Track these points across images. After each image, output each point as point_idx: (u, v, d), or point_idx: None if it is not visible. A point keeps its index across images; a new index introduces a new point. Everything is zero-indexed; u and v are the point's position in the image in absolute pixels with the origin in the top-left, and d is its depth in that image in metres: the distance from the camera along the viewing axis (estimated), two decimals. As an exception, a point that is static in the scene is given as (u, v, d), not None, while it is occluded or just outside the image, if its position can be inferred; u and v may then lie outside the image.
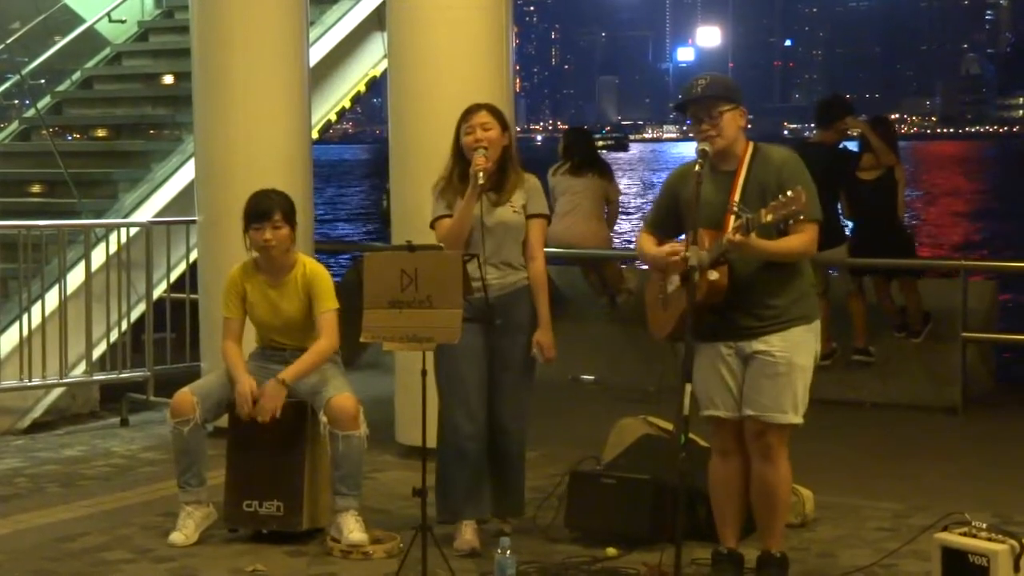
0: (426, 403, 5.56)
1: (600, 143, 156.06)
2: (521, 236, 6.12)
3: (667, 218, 5.62)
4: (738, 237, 5.17)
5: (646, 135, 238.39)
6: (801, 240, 5.34)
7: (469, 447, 6.06)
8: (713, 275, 5.26)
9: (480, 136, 6.03)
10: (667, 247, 5.48)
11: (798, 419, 5.42)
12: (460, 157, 6.13)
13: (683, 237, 5.43)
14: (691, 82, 5.57)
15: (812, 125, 10.34)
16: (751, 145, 5.48)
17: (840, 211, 9.92)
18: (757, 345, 5.40)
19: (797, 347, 5.41)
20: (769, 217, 5.15)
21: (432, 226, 6.16)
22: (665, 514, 5.80)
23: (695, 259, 5.20)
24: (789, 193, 5.13)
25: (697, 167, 5.35)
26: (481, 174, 5.91)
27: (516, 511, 6.35)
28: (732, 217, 5.30)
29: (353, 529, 6.19)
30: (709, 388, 5.48)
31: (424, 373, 5.59)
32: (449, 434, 6.05)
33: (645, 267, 12.06)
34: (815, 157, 9.19)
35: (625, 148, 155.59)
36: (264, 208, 6.38)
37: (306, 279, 6.40)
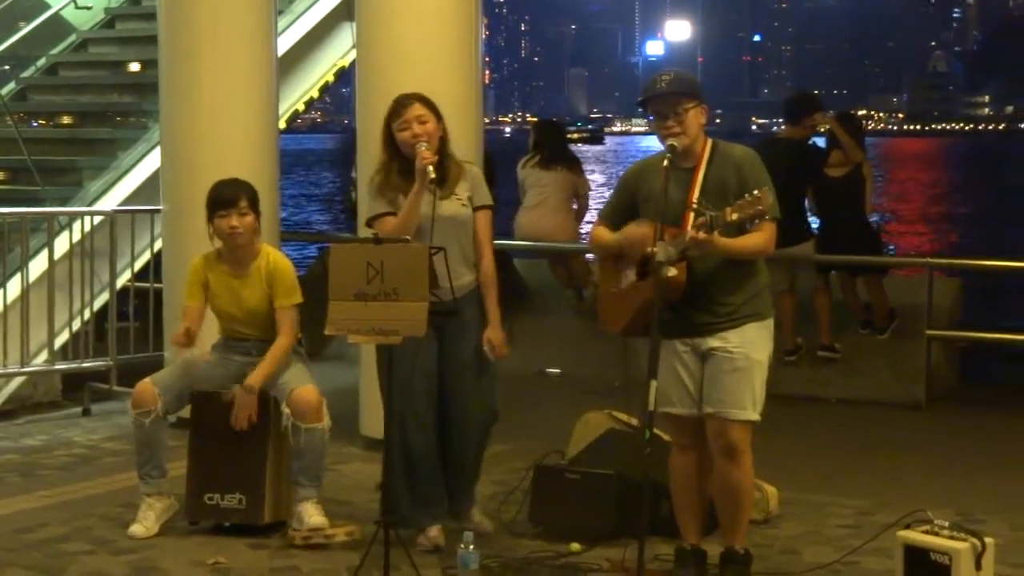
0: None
1: (575, 136, 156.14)
2: (471, 230, 5.97)
3: (623, 213, 5.58)
4: (701, 235, 5.15)
5: (615, 128, 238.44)
6: (761, 238, 5.34)
7: (420, 456, 5.94)
8: (671, 271, 5.23)
9: (418, 131, 5.85)
10: (632, 226, 5.43)
11: (756, 415, 5.41)
12: (395, 152, 5.93)
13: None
14: (654, 78, 5.55)
15: (780, 120, 10.35)
16: (709, 142, 5.47)
17: (807, 207, 9.93)
18: (713, 342, 5.39)
19: (753, 343, 5.41)
20: (734, 216, 5.14)
21: (369, 224, 5.98)
22: (629, 509, 5.80)
23: (663, 254, 5.17)
24: (755, 193, 5.12)
25: (665, 162, 5.33)
26: (431, 168, 5.74)
27: (463, 505, 6.17)
28: (692, 214, 5.28)
29: (313, 514, 6.17)
30: (666, 386, 5.45)
31: (389, 365, 5.55)
32: (398, 443, 5.88)
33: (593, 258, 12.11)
34: (783, 153, 9.24)
35: (600, 141, 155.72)
36: (229, 195, 6.33)
37: (269, 270, 6.36)
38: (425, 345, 5.77)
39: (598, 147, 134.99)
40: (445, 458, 6.06)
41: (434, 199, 5.81)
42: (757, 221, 5.20)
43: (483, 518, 6.28)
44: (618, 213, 5.63)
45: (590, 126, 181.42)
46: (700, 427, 5.51)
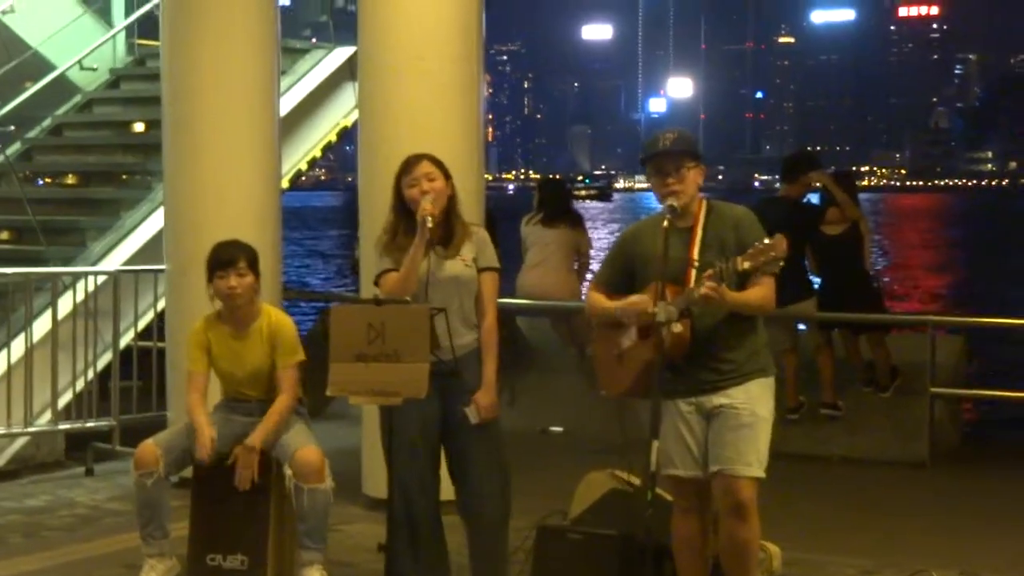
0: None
1: (583, 193, 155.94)
2: (473, 291, 5.91)
3: (620, 276, 5.58)
4: (710, 289, 5.14)
5: (618, 184, 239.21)
6: (764, 292, 5.34)
7: (422, 518, 5.89)
8: (677, 327, 5.24)
9: (425, 187, 5.83)
10: (634, 298, 5.44)
11: (761, 472, 5.40)
12: (403, 212, 5.92)
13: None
14: (657, 135, 5.57)
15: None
16: (704, 202, 5.50)
17: (807, 266, 9.95)
18: (718, 399, 5.38)
19: (758, 399, 5.41)
20: (746, 264, 5.14)
21: (376, 283, 5.95)
22: (632, 570, 5.78)
23: (663, 315, 5.18)
24: (766, 240, 5.13)
25: (666, 223, 5.35)
26: (430, 219, 5.72)
27: None
28: (693, 272, 5.29)
29: (317, 581, 6.14)
30: (669, 447, 5.44)
31: (390, 427, 5.54)
32: (401, 508, 5.82)
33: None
34: (780, 211, 9.28)
35: (609, 198, 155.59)
36: (228, 256, 6.35)
37: (271, 330, 6.38)
38: (427, 406, 5.76)
39: (606, 204, 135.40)
40: (472, 529, 6.01)
41: (434, 259, 5.80)
42: (763, 272, 5.19)
43: None
44: (615, 277, 5.62)
45: (599, 183, 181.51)
46: (703, 489, 5.49)
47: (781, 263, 5.17)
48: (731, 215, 5.45)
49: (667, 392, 5.37)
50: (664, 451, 5.42)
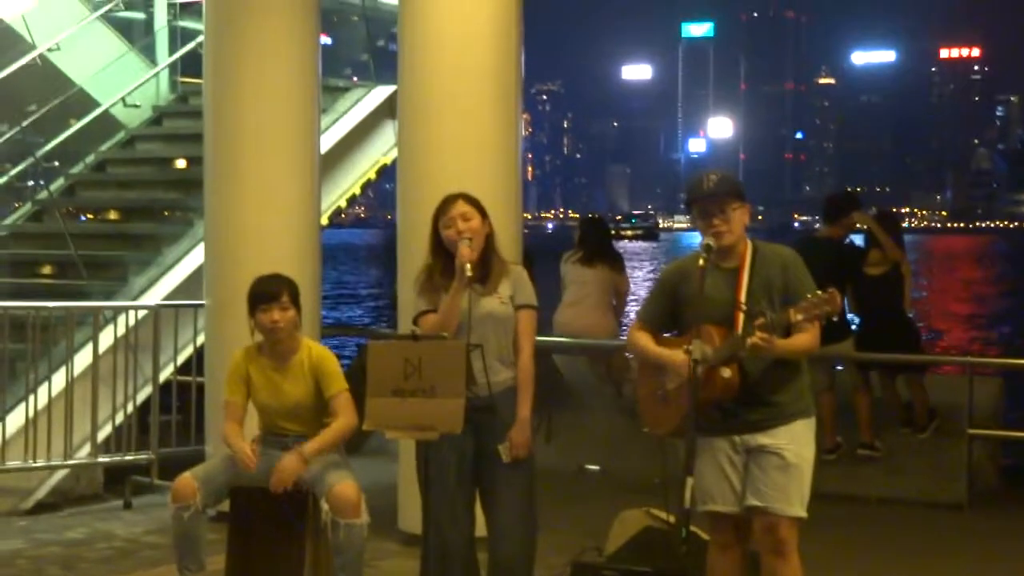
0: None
1: (629, 233, 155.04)
2: (510, 328, 5.91)
3: (662, 314, 5.61)
4: (762, 339, 5.15)
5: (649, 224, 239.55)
6: (810, 338, 5.34)
7: (455, 553, 5.87)
8: (726, 373, 5.25)
9: (462, 227, 5.83)
10: (677, 356, 5.36)
11: (803, 512, 5.41)
12: (440, 251, 5.93)
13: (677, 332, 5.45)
14: (700, 176, 5.58)
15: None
16: (750, 243, 5.51)
17: (846, 306, 9.94)
18: (763, 439, 5.39)
19: (802, 440, 5.42)
20: (799, 317, 5.14)
21: (415, 323, 5.96)
22: (666, 607, 5.78)
23: (698, 353, 5.19)
24: (820, 293, 5.13)
25: (701, 261, 5.37)
26: (468, 266, 5.73)
27: None
28: (741, 315, 5.30)
29: (353, 618, 6.15)
30: (708, 483, 5.46)
31: (426, 462, 5.56)
32: (434, 541, 5.81)
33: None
34: (822, 252, 9.28)
35: (656, 238, 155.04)
36: (271, 290, 6.40)
37: (312, 362, 6.41)
38: (463, 442, 5.77)
39: (652, 243, 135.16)
40: (492, 565, 5.96)
41: (472, 296, 5.81)
42: (827, 320, 5.21)
43: None
44: (658, 315, 5.64)
45: (646, 223, 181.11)
46: (741, 525, 5.50)
47: (834, 317, 5.18)
48: (778, 257, 5.46)
49: (712, 430, 5.39)
50: (704, 487, 5.43)
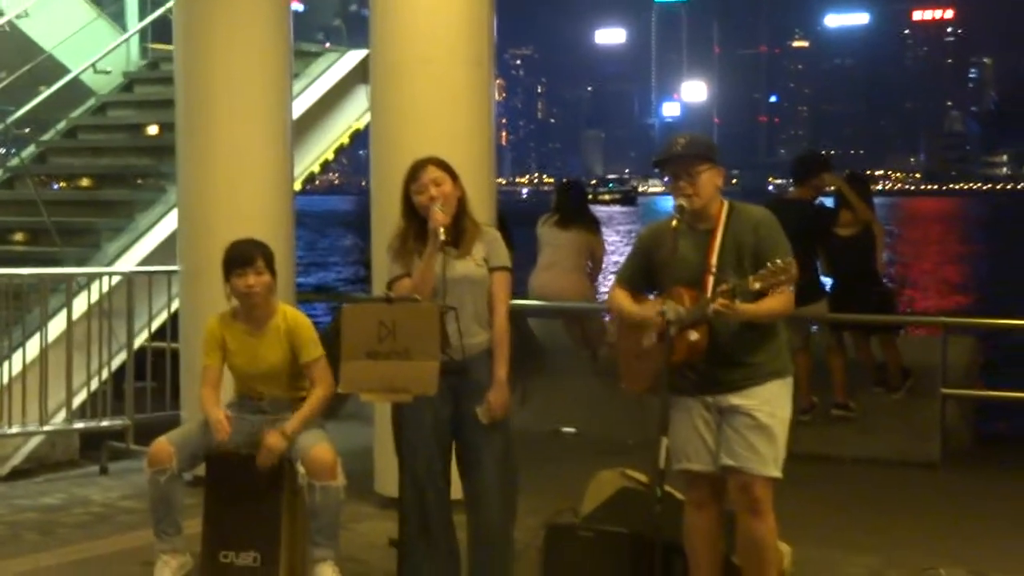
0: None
1: (607, 197, 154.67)
2: (485, 290, 5.92)
3: (640, 274, 5.64)
4: (722, 305, 5.17)
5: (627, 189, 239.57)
6: (781, 301, 5.34)
7: (434, 514, 5.92)
8: (693, 335, 5.27)
9: (434, 193, 5.84)
10: (648, 309, 5.45)
11: (778, 472, 5.43)
12: (412, 216, 5.93)
13: (655, 294, 5.47)
14: (671, 140, 5.61)
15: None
16: (726, 204, 5.51)
17: (818, 267, 9.97)
18: (736, 399, 5.41)
19: (776, 400, 5.44)
20: (757, 285, 5.15)
21: (389, 287, 5.95)
22: (642, 567, 5.80)
23: (672, 313, 5.22)
24: (779, 262, 5.14)
25: (674, 223, 5.38)
26: (442, 230, 5.74)
27: None
28: (711, 278, 5.31)
29: (329, 579, 6.18)
30: (683, 442, 5.49)
31: (400, 424, 5.58)
32: (413, 501, 5.84)
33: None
34: (792, 213, 9.26)
35: (634, 202, 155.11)
36: (246, 254, 6.40)
37: (288, 327, 6.42)
38: (439, 404, 5.80)
39: (630, 208, 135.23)
40: (472, 526, 6.00)
41: (446, 259, 5.82)
42: (788, 289, 5.22)
43: None
44: (636, 276, 5.67)
45: (623, 187, 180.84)
46: (716, 484, 5.53)
47: (792, 286, 5.18)
48: (751, 218, 5.46)
49: (684, 388, 5.42)
50: (678, 446, 5.46)
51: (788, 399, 5.52)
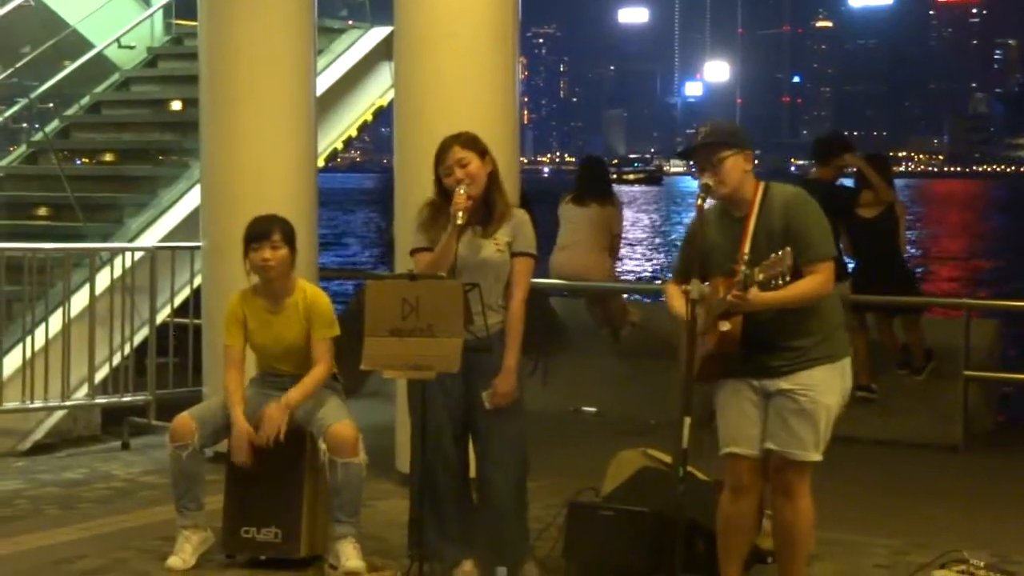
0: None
1: (632, 177, 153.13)
2: (503, 276, 5.87)
3: (689, 265, 5.48)
4: (736, 296, 5.13)
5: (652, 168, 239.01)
6: (814, 281, 5.27)
7: (446, 492, 5.92)
8: (725, 326, 5.22)
9: (460, 175, 5.78)
10: (682, 308, 5.34)
11: (818, 456, 5.39)
12: (443, 191, 5.86)
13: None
14: (695, 130, 5.58)
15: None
16: (761, 186, 5.42)
17: (841, 247, 9.91)
18: (782, 384, 5.35)
19: (821, 385, 5.36)
20: (761, 276, 5.09)
21: (412, 255, 5.96)
22: (663, 547, 5.79)
23: (696, 292, 5.18)
24: (779, 253, 5.07)
25: (699, 201, 5.34)
26: (460, 214, 5.67)
27: (507, 561, 5.95)
28: (741, 268, 5.25)
29: (351, 556, 6.19)
30: (731, 425, 5.45)
31: (421, 401, 5.58)
32: (425, 480, 5.83)
33: (649, 299, 12.13)
34: (813, 193, 9.17)
35: (659, 182, 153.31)
36: (263, 229, 6.39)
37: (306, 304, 6.41)
38: (454, 383, 5.78)
39: (656, 188, 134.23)
40: (483, 505, 6.01)
41: (469, 238, 5.80)
42: (781, 281, 5.13)
43: (535, 570, 6.13)
44: (685, 267, 5.54)
45: (649, 167, 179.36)
46: (758, 470, 5.48)
47: (787, 276, 5.11)
48: (781, 200, 5.37)
49: (735, 371, 5.37)
50: (726, 430, 5.43)
51: (837, 384, 5.43)
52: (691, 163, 5.54)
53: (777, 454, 5.37)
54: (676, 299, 5.48)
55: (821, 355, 5.38)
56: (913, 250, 43.90)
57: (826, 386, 5.38)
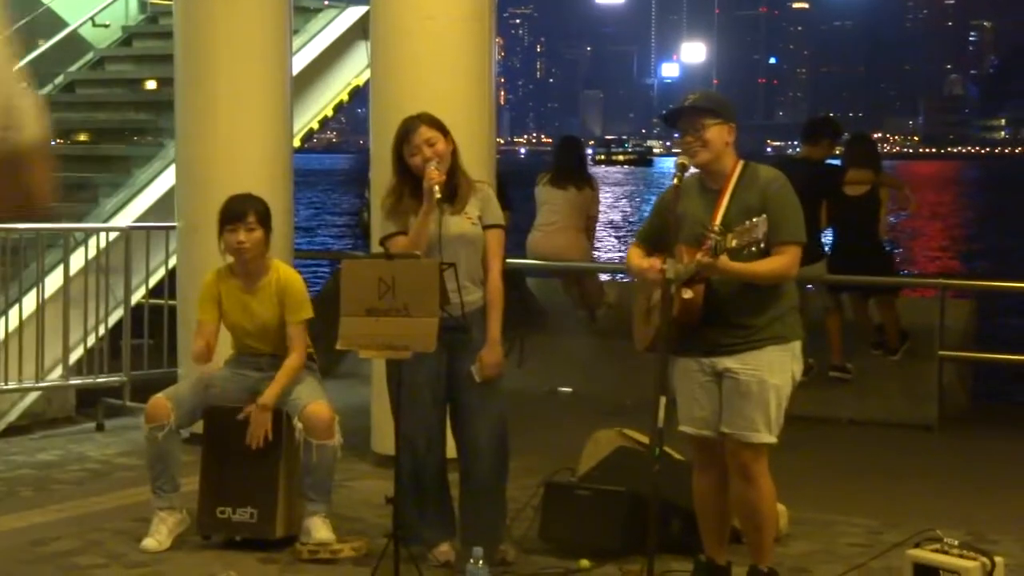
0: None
1: (621, 158, 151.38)
2: (480, 248, 5.92)
3: (657, 233, 5.57)
4: (706, 258, 5.15)
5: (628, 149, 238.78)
6: (780, 262, 5.31)
7: (428, 473, 5.95)
8: (687, 293, 5.24)
9: (428, 154, 5.81)
10: (646, 261, 5.46)
11: (771, 438, 5.39)
12: (406, 174, 5.90)
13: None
14: (683, 96, 5.58)
15: (795, 143, 10.37)
16: (740, 164, 5.43)
17: (818, 228, 9.92)
18: (729, 362, 5.36)
19: (769, 366, 5.36)
20: (734, 242, 5.10)
21: (382, 244, 5.96)
22: (639, 526, 5.81)
23: (672, 272, 5.19)
24: (753, 220, 5.09)
25: (675, 180, 5.36)
26: (437, 188, 5.70)
27: (487, 541, 5.84)
28: (710, 236, 5.27)
29: (320, 528, 6.20)
30: (686, 404, 5.48)
31: (398, 381, 5.58)
32: (407, 460, 5.85)
33: (628, 279, 12.13)
34: (800, 171, 9.23)
35: (649, 163, 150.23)
36: (238, 210, 6.37)
37: (280, 286, 6.39)
38: (434, 363, 5.79)
39: (646, 169, 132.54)
40: (464, 484, 6.04)
41: (442, 216, 5.81)
42: (755, 249, 5.15)
43: (512, 551, 6.15)
44: (652, 234, 5.62)
45: (639, 147, 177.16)
46: (718, 447, 5.49)
47: (761, 246, 5.12)
48: (762, 179, 5.38)
49: (683, 350, 5.39)
50: (683, 408, 5.46)
51: (787, 364, 5.44)
52: (674, 129, 5.55)
53: (731, 437, 5.38)
54: (636, 258, 5.52)
55: (772, 336, 5.39)
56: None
57: (774, 367, 5.38)
